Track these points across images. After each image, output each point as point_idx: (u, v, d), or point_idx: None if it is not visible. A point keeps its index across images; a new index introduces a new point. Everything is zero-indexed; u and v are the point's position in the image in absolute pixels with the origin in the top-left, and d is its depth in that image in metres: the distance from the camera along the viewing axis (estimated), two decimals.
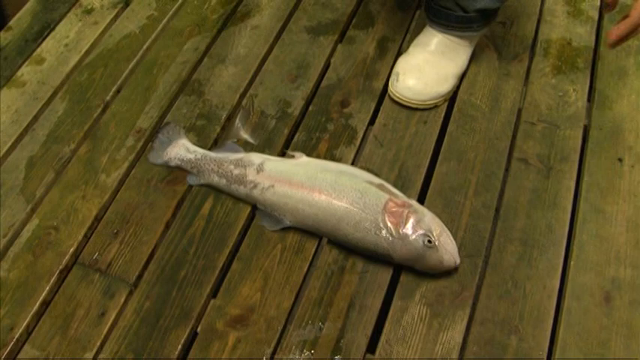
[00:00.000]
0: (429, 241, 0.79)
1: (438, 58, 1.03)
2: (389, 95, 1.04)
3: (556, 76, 1.08)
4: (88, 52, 1.17)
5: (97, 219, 0.93)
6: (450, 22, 1.00)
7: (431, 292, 0.82)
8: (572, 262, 0.85)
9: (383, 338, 0.79)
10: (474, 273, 0.84)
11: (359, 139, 0.99)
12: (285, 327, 0.81)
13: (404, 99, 1.01)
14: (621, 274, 0.84)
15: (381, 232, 0.81)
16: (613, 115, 1.02)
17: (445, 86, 1.03)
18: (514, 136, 1.00)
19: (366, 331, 0.80)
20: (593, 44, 1.13)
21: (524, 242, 0.87)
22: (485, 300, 0.82)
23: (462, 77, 1.07)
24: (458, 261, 0.81)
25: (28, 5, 1.29)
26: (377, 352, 0.78)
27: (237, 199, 0.92)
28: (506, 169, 0.96)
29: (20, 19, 1.26)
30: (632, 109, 1.03)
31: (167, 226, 0.91)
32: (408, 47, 1.07)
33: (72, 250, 0.90)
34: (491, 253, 0.86)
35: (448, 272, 0.83)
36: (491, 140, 0.99)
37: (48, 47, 1.19)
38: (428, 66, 1.02)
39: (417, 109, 1.02)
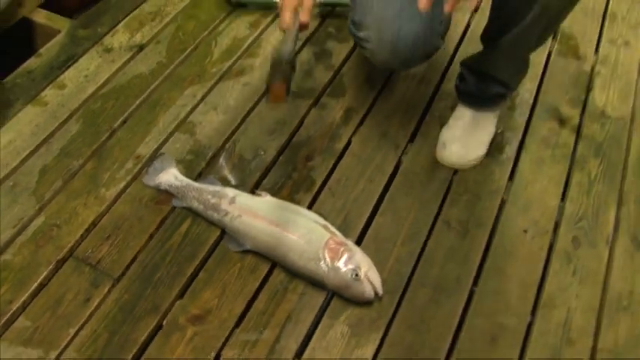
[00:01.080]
0: (356, 275, 1.00)
1: (472, 128, 1.28)
2: (437, 160, 1.28)
3: (487, 158, 1.31)
4: (103, 85, 1.39)
5: (94, 223, 1.13)
6: (475, 102, 1.27)
7: (354, 316, 1.03)
8: (470, 308, 1.07)
9: (310, 346, 0.99)
10: (390, 306, 1.05)
11: (316, 188, 1.21)
12: (233, 329, 1.00)
13: (451, 164, 1.27)
14: (507, 321, 1.05)
15: (319, 263, 1.02)
16: (527, 194, 1.26)
17: (482, 149, 1.28)
18: (443, 202, 1.22)
19: (297, 339, 1.00)
20: (520, 137, 1.37)
21: (435, 287, 1.08)
22: (395, 329, 1.03)
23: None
24: (380, 294, 1.02)
25: (58, 37, 1.52)
26: (303, 357, 0.98)
27: (211, 222, 1.13)
28: (432, 228, 1.18)
29: (49, 49, 1.48)
30: (542, 191, 1.26)
31: (150, 237, 1.11)
32: (448, 118, 1.32)
33: (69, 245, 1.09)
34: (407, 293, 1.07)
35: (370, 302, 1.04)
36: (423, 203, 1.21)
37: (70, 76, 1.41)
38: (466, 135, 1.27)
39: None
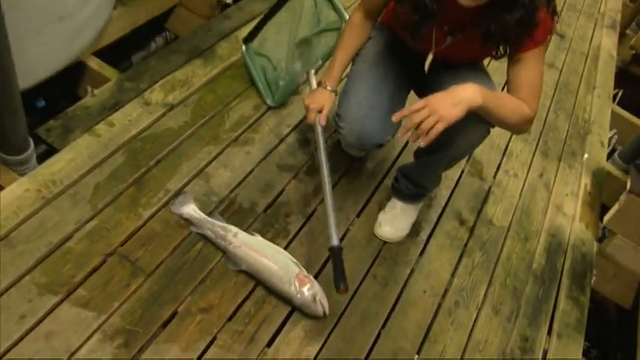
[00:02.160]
0: (314, 299, 1.52)
1: (400, 215, 1.83)
2: (374, 234, 1.82)
3: (407, 237, 1.87)
4: (143, 130, 1.86)
5: (133, 233, 1.58)
6: (404, 197, 1.82)
7: (308, 325, 1.53)
8: (382, 333, 1.59)
9: (277, 340, 1.48)
10: (332, 323, 1.56)
11: (290, 237, 1.72)
12: (227, 320, 1.48)
13: (383, 238, 1.81)
14: (405, 345, 1.59)
15: (290, 287, 1.53)
16: (429, 267, 1.81)
17: (405, 231, 1.84)
18: (373, 262, 1.76)
19: (269, 334, 1.49)
20: (432, 227, 1.94)
21: (361, 316, 1.61)
22: (333, 338, 1.54)
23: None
24: (327, 313, 1.53)
25: (108, 85, 1.98)
26: (272, 346, 1.47)
27: (217, 247, 1.61)
28: (364, 278, 1.71)
29: (102, 92, 1.95)
30: (440, 267, 1.82)
31: (174, 249, 1.58)
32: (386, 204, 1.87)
33: (115, 245, 1.54)
34: (343, 317, 1.59)
35: (320, 318, 1.54)
36: (360, 260, 1.74)
37: (117, 117, 1.87)
38: (395, 220, 1.82)
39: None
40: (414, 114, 1.37)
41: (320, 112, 1.67)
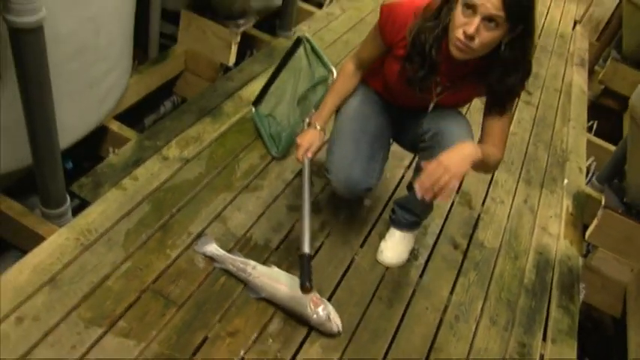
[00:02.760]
0: (328, 318, 1.70)
1: (399, 243, 2.02)
2: (377, 260, 2.01)
3: (407, 262, 2.06)
4: (163, 183, 2.07)
5: (163, 271, 1.77)
6: (402, 226, 2.01)
7: (324, 342, 1.71)
8: (392, 346, 1.77)
9: (298, 357, 1.66)
10: (345, 339, 1.73)
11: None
12: (253, 342, 1.66)
13: (385, 264, 1.99)
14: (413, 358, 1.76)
15: (307, 309, 1.71)
16: (429, 287, 2.00)
17: (405, 256, 2.03)
18: (378, 286, 1.94)
19: (290, 352, 1.66)
20: (429, 252, 2.14)
21: (372, 332, 1.78)
22: (347, 353, 1.71)
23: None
24: (340, 331, 1.71)
25: (130, 144, 2.21)
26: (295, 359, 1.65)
27: (239, 279, 1.80)
28: (371, 300, 1.89)
29: (125, 151, 2.17)
30: (439, 287, 2.00)
31: (200, 284, 1.77)
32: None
33: (149, 282, 1.73)
34: (356, 333, 1.76)
35: (334, 335, 1.72)
36: (366, 284, 1.93)
37: (140, 172, 2.08)
38: (395, 247, 2.01)
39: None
40: (430, 176, 1.53)
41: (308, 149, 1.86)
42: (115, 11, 1.98)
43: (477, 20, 1.48)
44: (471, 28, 1.48)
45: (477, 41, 1.50)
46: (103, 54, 1.97)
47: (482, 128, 1.76)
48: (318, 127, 1.90)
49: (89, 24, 1.82)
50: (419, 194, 1.55)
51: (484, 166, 1.68)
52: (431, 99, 1.78)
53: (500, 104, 1.71)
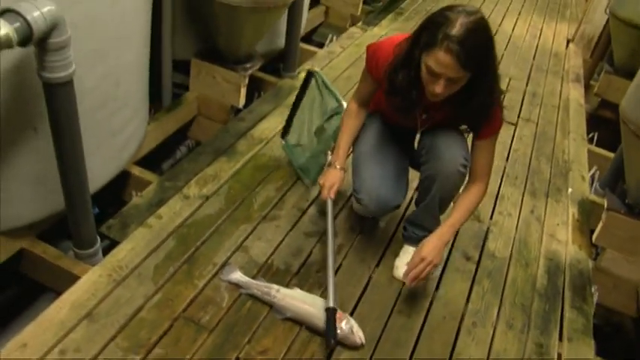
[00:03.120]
0: (352, 331, 1.79)
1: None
2: (394, 276, 2.11)
3: None
4: (186, 219, 2.20)
5: (192, 300, 1.88)
6: (413, 242, 2.10)
7: (350, 354, 1.79)
8: (414, 356, 1.85)
9: None
10: (369, 351, 1.82)
11: (323, 288, 2.01)
12: (283, 358, 1.75)
13: (402, 279, 2.03)
14: None
15: None
16: (446, 297, 2.08)
17: None
18: (396, 300, 2.04)
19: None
20: (443, 265, 2.23)
21: (393, 343, 1.87)
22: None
23: None
24: (364, 343, 1.80)
25: (152, 186, 2.35)
26: None
27: (264, 302, 1.90)
28: (390, 313, 1.98)
29: (148, 192, 2.31)
30: (455, 297, 2.09)
31: (228, 309, 1.87)
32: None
33: (179, 310, 1.83)
34: (378, 345, 1.85)
35: (358, 348, 1.81)
36: (384, 300, 2.02)
37: (164, 211, 2.21)
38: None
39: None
40: (417, 268, 1.86)
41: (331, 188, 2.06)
42: (132, 64, 2.14)
43: (442, 82, 1.68)
44: (438, 89, 1.69)
45: (445, 93, 1.71)
46: (123, 104, 2.13)
47: (471, 170, 1.95)
48: (338, 167, 2.09)
49: (110, 77, 1.99)
50: (407, 283, 1.90)
51: (470, 215, 1.96)
52: (419, 123, 1.98)
53: (477, 124, 1.88)
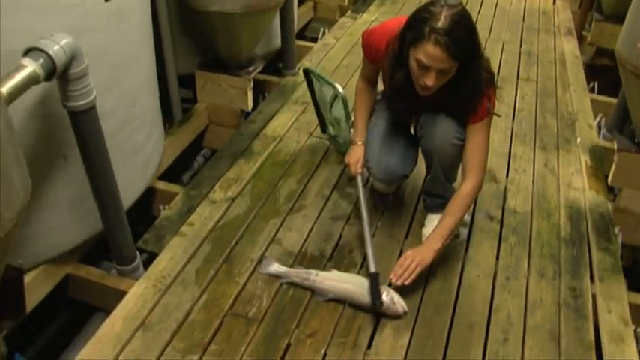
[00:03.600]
0: (393, 301, 1.87)
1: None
2: None
3: (451, 241, 2.23)
4: (217, 222, 2.29)
5: (237, 296, 1.97)
6: (434, 210, 2.20)
7: (395, 323, 1.88)
8: (456, 312, 1.93)
9: (375, 341, 1.83)
10: (412, 319, 1.90)
11: (359, 265, 2.10)
12: (330, 338, 1.83)
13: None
14: (475, 319, 1.91)
15: None
16: (476, 257, 2.16)
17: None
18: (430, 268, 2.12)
19: (366, 339, 1.83)
20: (468, 228, 2.30)
21: (434, 307, 1.94)
22: (415, 331, 1.88)
23: None
24: (407, 311, 1.88)
25: (179, 197, 2.44)
26: (372, 347, 1.81)
27: (305, 288, 1.98)
28: (427, 277, 2.06)
29: (176, 203, 2.40)
30: (485, 255, 2.16)
31: (272, 299, 1.96)
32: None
33: (227, 307, 1.92)
34: (420, 311, 1.93)
35: (400, 316, 1.89)
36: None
37: (194, 218, 2.30)
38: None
39: None
40: (401, 266, 1.91)
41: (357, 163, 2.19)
42: (144, 83, 2.24)
43: (432, 74, 1.76)
44: (429, 81, 1.77)
45: (435, 85, 1.79)
46: (140, 122, 2.22)
47: (462, 158, 2.00)
48: (360, 143, 2.21)
49: (125, 98, 2.08)
50: (393, 280, 1.91)
51: (465, 214, 2.02)
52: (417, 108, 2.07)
53: (467, 109, 1.91)
